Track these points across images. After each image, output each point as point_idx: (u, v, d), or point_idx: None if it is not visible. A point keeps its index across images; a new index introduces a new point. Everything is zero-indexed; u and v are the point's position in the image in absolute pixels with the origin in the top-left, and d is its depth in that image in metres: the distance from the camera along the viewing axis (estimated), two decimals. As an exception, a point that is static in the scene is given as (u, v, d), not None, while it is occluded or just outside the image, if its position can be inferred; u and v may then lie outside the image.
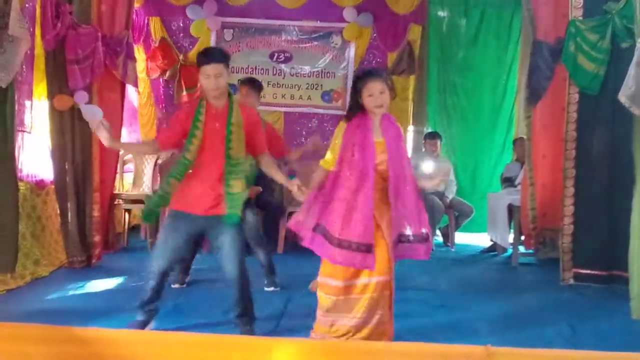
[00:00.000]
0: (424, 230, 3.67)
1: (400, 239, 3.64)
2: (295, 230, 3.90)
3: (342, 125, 3.76)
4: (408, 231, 3.64)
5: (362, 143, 3.65)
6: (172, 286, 5.09)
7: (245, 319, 3.93)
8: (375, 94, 3.61)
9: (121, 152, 6.76)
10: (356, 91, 3.68)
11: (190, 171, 3.72)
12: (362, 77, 3.70)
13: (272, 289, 5.19)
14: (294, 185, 3.72)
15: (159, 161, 7.13)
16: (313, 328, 3.81)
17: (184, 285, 5.21)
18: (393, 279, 3.72)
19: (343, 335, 3.68)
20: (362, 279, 3.65)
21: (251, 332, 3.90)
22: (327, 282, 3.71)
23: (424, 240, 3.66)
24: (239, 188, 3.76)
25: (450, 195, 7.68)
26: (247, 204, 5.05)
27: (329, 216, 3.65)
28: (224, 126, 3.69)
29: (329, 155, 3.77)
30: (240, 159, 3.77)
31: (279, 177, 3.96)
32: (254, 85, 5.33)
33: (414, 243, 3.65)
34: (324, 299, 3.72)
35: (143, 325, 3.86)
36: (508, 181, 7.40)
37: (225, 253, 3.79)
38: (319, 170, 3.82)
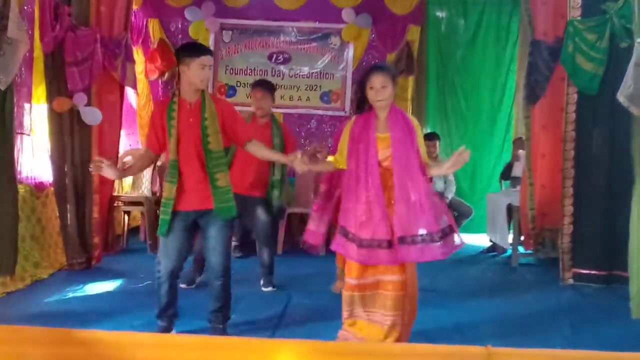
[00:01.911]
0: (442, 227, 3.56)
1: (407, 240, 3.53)
2: (308, 241, 3.91)
3: (350, 123, 3.77)
4: (420, 231, 3.53)
5: (364, 140, 3.65)
6: (181, 286, 5.10)
7: (221, 315, 3.95)
8: (376, 87, 3.60)
9: (120, 154, 6.77)
10: (362, 85, 3.69)
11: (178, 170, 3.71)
12: (367, 70, 3.72)
13: (270, 289, 5.20)
14: (292, 158, 3.73)
15: (158, 163, 7.12)
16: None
17: (193, 286, 5.21)
18: (409, 281, 3.68)
19: (362, 330, 3.71)
20: (375, 277, 3.66)
21: (224, 332, 3.92)
22: (346, 279, 3.74)
23: (440, 239, 3.54)
24: (224, 182, 3.76)
25: (450, 195, 7.67)
26: (260, 202, 5.09)
27: (346, 215, 3.66)
28: (198, 120, 3.70)
29: (337, 154, 3.79)
30: (220, 152, 3.76)
31: (274, 156, 4.07)
32: (268, 87, 5.30)
33: (428, 243, 3.53)
34: (344, 296, 3.75)
35: (166, 331, 3.89)
36: (514, 180, 7.37)
37: (211, 246, 3.81)
38: (328, 164, 3.84)
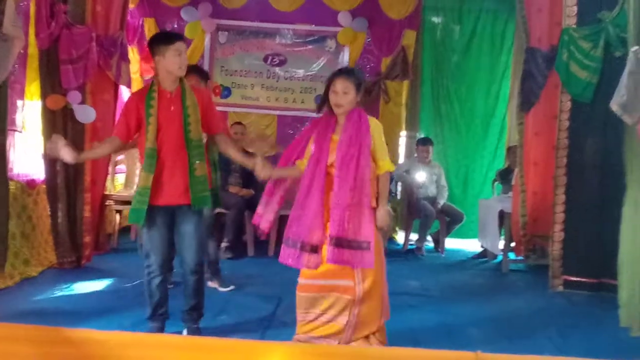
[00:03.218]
0: (363, 239, 3.46)
1: (342, 243, 3.46)
2: (255, 224, 3.88)
3: (311, 123, 3.79)
4: (350, 236, 3.45)
5: (319, 141, 3.62)
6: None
7: (196, 314, 3.94)
8: (337, 91, 3.58)
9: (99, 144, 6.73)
10: (327, 87, 3.66)
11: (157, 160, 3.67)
12: (332, 73, 3.69)
13: (230, 288, 5.17)
14: (254, 163, 3.71)
15: (118, 157, 7.12)
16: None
17: (172, 286, 5.17)
18: (370, 285, 3.59)
19: (310, 331, 3.70)
20: (326, 280, 3.63)
21: (197, 331, 3.90)
22: (298, 280, 3.73)
23: (358, 248, 3.44)
24: (201, 171, 3.74)
25: (442, 200, 7.69)
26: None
27: (289, 223, 3.63)
28: (180, 108, 3.68)
29: (305, 158, 3.74)
30: (200, 140, 3.75)
31: (236, 155, 3.95)
32: (201, 73, 5.12)
33: (356, 249, 3.45)
34: (297, 297, 3.74)
35: (159, 331, 3.86)
36: (504, 173, 7.39)
37: (187, 242, 3.80)
38: (293, 169, 3.77)
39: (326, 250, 3.49)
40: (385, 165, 3.65)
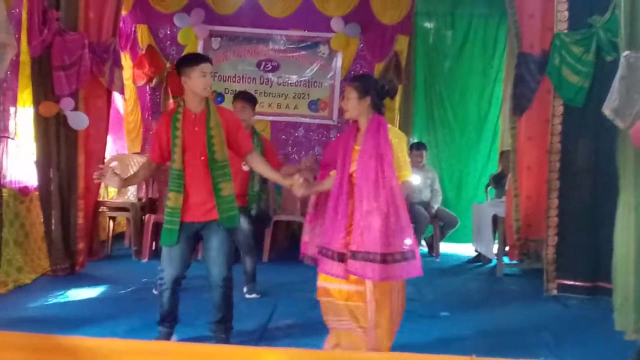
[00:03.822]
0: (395, 250, 3.43)
1: (356, 255, 3.46)
2: (304, 253, 3.87)
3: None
4: (367, 248, 3.42)
5: (342, 149, 3.66)
6: (154, 292, 5.10)
7: (224, 326, 3.93)
8: (343, 97, 3.69)
9: (106, 160, 6.73)
10: None
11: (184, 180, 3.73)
12: None
13: (253, 295, 5.21)
14: (292, 182, 3.74)
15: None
16: None
17: None
18: (386, 294, 3.60)
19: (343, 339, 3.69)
20: (338, 284, 3.63)
21: (226, 341, 3.89)
22: (318, 284, 3.73)
23: (383, 261, 3.39)
24: (228, 190, 3.79)
25: (436, 205, 7.70)
26: (241, 211, 5.10)
27: (321, 230, 3.69)
28: (203, 130, 3.72)
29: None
30: (226, 161, 3.79)
31: (271, 175, 4.02)
32: (249, 99, 5.32)
33: (366, 262, 3.41)
34: (320, 302, 3.74)
35: (168, 337, 3.89)
36: (497, 178, 7.41)
37: (213, 257, 3.82)
38: (329, 180, 3.77)
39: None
40: (405, 174, 3.65)
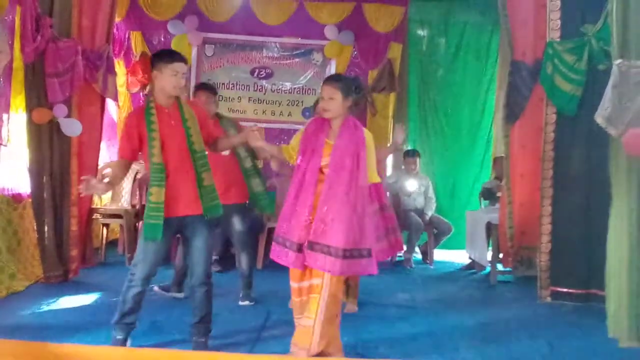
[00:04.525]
0: (355, 247, 3.47)
1: (314, 246, 3.51)
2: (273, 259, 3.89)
3: (306, 123, 3.88)
4: (326, 240, 3.48)
5: (312, 142, 3.69)
6: (177, 295, 5.26)
7: (203, 328, 3.92)
8: (324, 97, 3.69)
9: (100, 166, 6.70)
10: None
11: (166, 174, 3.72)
12: (323, 80, 3.82)
13: (246, 302, 5.19)
14: (246, 134, 3.96)
15: (138, 176, 7.10)
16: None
17: (180, 295, 5.27)
18: (328, 286, 3.57)
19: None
20: (307, 281, 3.66)
21: (204, 346, 3.88)
22: (290, 284, 3.75)
23: (343, 257, 3.43)
24: (209, 180, 3.82)
25: (430, 212, 7.71)
26: (237, 209, 5.09)
27: (280, 219, 3.72)
28: (180, 122, 3.75)
29: (290, 147, 3.87)
30: (203, 151, 3.82)
31: (234, 140, 4.23)
32: (213, 89, 5.36)
33: (323, 254, 3.47)
34: (292, 303, 3.78)
35: (123, 343, 3.79)
36: (488, 192, 7.43)
37: (196, 255, 3.82)
38: (279, 150, 3.96)
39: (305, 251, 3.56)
40: (372, 177, 3.73)
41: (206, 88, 5.32)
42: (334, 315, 3.65)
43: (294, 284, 3.72)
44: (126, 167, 3.89)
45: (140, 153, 3.85)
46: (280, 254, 3.63)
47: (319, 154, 3.64)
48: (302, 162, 3.67)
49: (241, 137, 4.10)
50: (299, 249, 3.56)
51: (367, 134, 3.75)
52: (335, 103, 3.65)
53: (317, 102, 3.83)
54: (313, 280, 3.63)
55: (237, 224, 5.14)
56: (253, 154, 5.12)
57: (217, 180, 4.79)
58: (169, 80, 3.70)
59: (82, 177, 3.65)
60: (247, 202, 5.23)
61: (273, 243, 3.69)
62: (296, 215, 3.60)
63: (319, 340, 3.55)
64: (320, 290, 3.57)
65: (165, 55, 3.82)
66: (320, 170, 3.62)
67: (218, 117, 5.28)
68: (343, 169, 3.55)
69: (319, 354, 3.56)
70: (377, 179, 3.78)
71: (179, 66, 3.72)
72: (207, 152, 3.86)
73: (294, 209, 3.62)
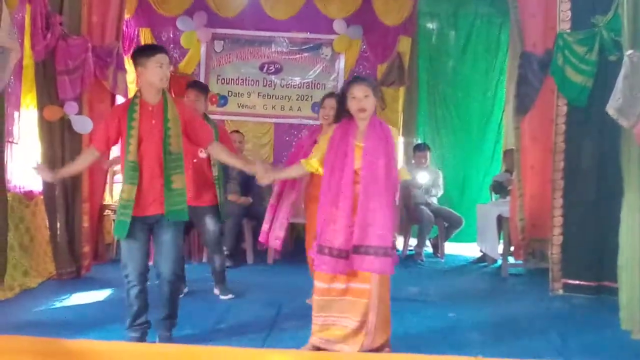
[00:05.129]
0: (387, 245, 3.53)
1: (360, 249, 3.53)
2: (262, 242, 3.91)
3: (329, 131, 3.79)
4: (372, 242, 3.51)
5: (342, 147, 3.65)
6: None
7: (169, 322, 3.92)
8: (358, 96, 3.63)
9: (110, 160, 6.73)
10: (343, 95, 3.72)
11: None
12: (349, 81, 3.78)
13: (229, 296, 5.19)
14: (255, 169, 3.82)
15: (116, 168, 7.10)
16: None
17: (182, 295, 5.20)
18: (376, 290, 3.60)
19: (333, 338, 3.68)
20: (340, 284, 3.64)
21: (169, 339, 3.88)
22: (314, 284, 3.73)
23: (383, 255, 3.50)
24: (180, 184, 3.76)
25: (434, 191, 7.66)
26: (210, 211, 5.08)
27: (320, 229, 3.65)
28: (160, 121, 3.71)
29: (313, 157, 3.79)
30: (180, 153, 3.76)
31: (234, 161, 4.06)
32: (203, 88, 5.31)
33: (372, 255, 3.50)
34: (314, 301, 3.74)
35: (140, 341, 3.81)
36: (499, 186, 7.40)
37: (163, 252, 3.80)
38: (297, 167, 3.87)
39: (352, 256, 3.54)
40: (403, 173, 3.78)
41: (196, 86, 5.27)
42: (389, 313, 3.71)
43: (321, 284, 3.67)
44: (93, 158, 3.87)
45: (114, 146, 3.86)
46: (329, 264, 3.57)
47: (351, 158, 3.61)
48: (334, 169, 3.63)
49: (246, 167, 4.00)
50: (347, 254, 3.54)
51: (394, 131, 3.75)
52: (371, 100, 3.65)
53: (341, 108, 3.73)
54: (351, 283, 3.63)
55: (210, 224, 5.10)
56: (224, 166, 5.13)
57: (192, 181, 4.74)
58: (154, 72, 3.66)
59: (35, 164, 3.76)
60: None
61: (317, 254, 3.61)
62: (337, 221, 3.57)
63: (373, 338, 3.61)
64: (369, 293, 3.59)
65: (146, 50, 3.82)
66: (355, 173, 3.60)
67: (206, 118, 5.24)
68: (377, 169, 3.56)
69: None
70: (407, 176, 3.82)
71: (162, 57, 3.69)
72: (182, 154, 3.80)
73: (334, 216, 3.58)
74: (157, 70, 3.67)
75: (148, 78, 3.69)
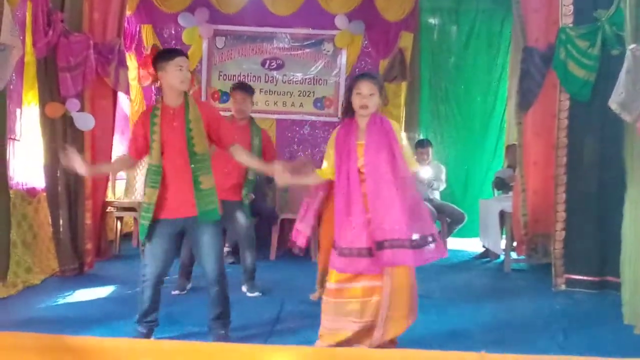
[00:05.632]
0: (420, 234, 3.53)
1: (385, 244, 3.51)
2: (295, 240, 3.93)
3: (333, 133, 3.81)
4: (392, 235, 3.50)
5: (345, 148, 3.67)
6: (173, 292, 5.11)
7: (221, 322, 3.93)
8: (363, 93, 3.64)
9: (112, 160, 6.75)
10: (349, 91, 3.73)
11: (162, 176, 3.72)
12: (357, 76, 3.79)
13: (256, 294, 5.20)
14: (273, 169, 3.80)
15: None
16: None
17: (184, 292, 5.22)
18: (399, 285, 3.62)
19: (343, 340, 3.65)
20: (356, 283, 3.63)
21: (225, 337, 3.89)
22: (326, 285, 3.75)
23: (412, 246, 3.49)
24: (208, 184, 3.78)
25: (436, 184, 7.64)
26: (241, 206, 5.11)
27: (336, 229, 3.66)
28: (182, 123, 3.72)
29: (325, 164, 3.81)
30: (205, 154, 3.79)
31: (255, 164, 4.12)
32: (249, 89, 5.39)
33: (397, 248, 3.49)
34: (324, 302, 3.73)
35: (146, 337, 3.83)
36: (501, 182, 7.39)
37: (205, 253, 3.82)
38: (313, 176, 3.89)
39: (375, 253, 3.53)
40: (411, 164, 3.75)
41: (242, 88, 5.36)
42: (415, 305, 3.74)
43: (332, 285, 3.67)
44: (126, 163, 4.01)
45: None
46: (352, 264, 3.56)
47: (354, 157, 3.62)
48: (341, 171, 3.65)
49: (266, 169, 4.00)
50: (368, 253, 3.53)
51: (395, 124, 3.74)
52: (375, 99, 3.65)
53: (348, 102, 3.74)
54: (364, 282, 3.62)
55: (241, 218, 5.12)
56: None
57: (229, 177, 4.79)
58: (175, 76, 3.69)
59: (68, 148, 3.79)
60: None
61: (337, 257, 3.60)
62: (352, 221, 3.57)
63: (383, 332, 3.64)
64: (381, 291, 3.59)
65: (166, 53, 3.84)
66: (359, 171, 3.61)
67: (251, 121, 5.36)
68: (380, 164, 3.56)
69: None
70: (416, 166, 3.82)
71: (181, 60, 3.71)
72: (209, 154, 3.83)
73: (348, 216, 3.58)
74: (177, 73, 3.69)
75: (169, 81, 3.72)
